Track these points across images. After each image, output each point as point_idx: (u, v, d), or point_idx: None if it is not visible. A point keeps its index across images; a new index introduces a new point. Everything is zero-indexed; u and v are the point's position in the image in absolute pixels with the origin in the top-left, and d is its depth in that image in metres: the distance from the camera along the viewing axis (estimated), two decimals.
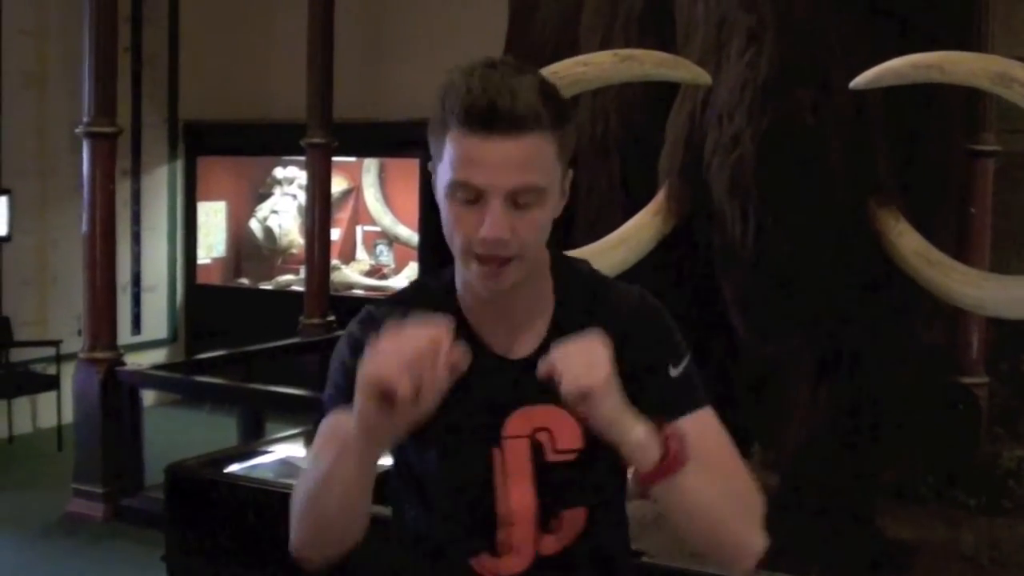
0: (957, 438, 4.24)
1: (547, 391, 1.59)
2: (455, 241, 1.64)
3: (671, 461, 1.59)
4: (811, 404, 3.51)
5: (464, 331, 1.66)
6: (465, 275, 1.68)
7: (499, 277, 1.64)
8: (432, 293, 1.76)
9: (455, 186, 1.60)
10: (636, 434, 1.57)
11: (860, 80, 2.78)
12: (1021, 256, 4.72)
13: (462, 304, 1.73)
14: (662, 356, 1.72)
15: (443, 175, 1.61)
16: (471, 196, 1.60)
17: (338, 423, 1.61)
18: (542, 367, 1.54)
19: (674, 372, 1.72)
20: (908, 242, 2.91)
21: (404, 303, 1.75)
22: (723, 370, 3.38)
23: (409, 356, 1.48)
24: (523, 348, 1.71)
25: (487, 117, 1.55)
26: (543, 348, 1.61)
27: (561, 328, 1.67)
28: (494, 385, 1.67)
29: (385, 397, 1.48)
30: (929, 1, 3.38)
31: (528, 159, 1.58)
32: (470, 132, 1.57)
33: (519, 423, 1.71)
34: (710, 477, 1.64)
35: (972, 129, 3.90)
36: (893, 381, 3.66)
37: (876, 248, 2.94)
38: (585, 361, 1.56)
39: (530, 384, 1.64)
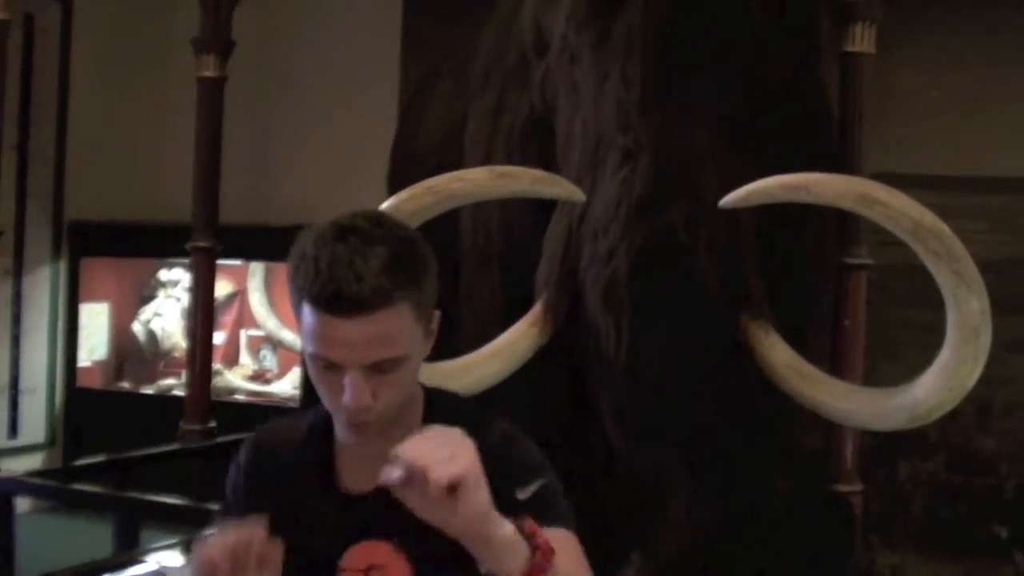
0: (832, 546, 4.29)
1: (388, 529, 1.61)
2: (322, 398, 1.67)
3: (542, 555, 1.59)
4: (688, 513, 3.55)
5: (321, 465, 1.69)
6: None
7: (364, 433, 1.66)
8: (311, 424, 1.78)
9: (314, 357, 1.62)
10: (506, 532, 1.58)
11: (729, 199, 2.85)
12: (894, 367, 4.83)
13: (336, 436, 1.75)
14: (510, 482, 1.73)
15: (303, 340, 1.64)
16: (331, 365, 1.62)
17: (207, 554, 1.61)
18: (390, 470, 1.52)
19: (521, 495, 1.73)
20: (779, 355, 2.98)
21: (282, 435, 1.78)
22: (600, 481, 3.41)
23: (229, 550, 1.53)
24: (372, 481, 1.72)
25: (334, 303, 1.58)
26: None
27: None
28: (340, 518, 1.69)
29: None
30: (802, 120, 3.49)
31: (382, 336, 1.60)
32: (321, 312, 1.59)
33: (355, 557, 1.74)
34: None
35: (845, 242, 4.00)
36: (769, 489, 3.71)
37: (749, 360, 3.00)
38: (448, 450, 1.55)
39: (374, 519, 1.66)
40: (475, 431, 1.75)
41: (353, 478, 1.76)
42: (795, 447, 4.04)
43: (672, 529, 3.52)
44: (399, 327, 1.63)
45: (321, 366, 1.64)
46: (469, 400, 1.93)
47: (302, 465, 1.77)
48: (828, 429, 4.23)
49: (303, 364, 7.55)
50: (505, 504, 1.65)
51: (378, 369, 1.62)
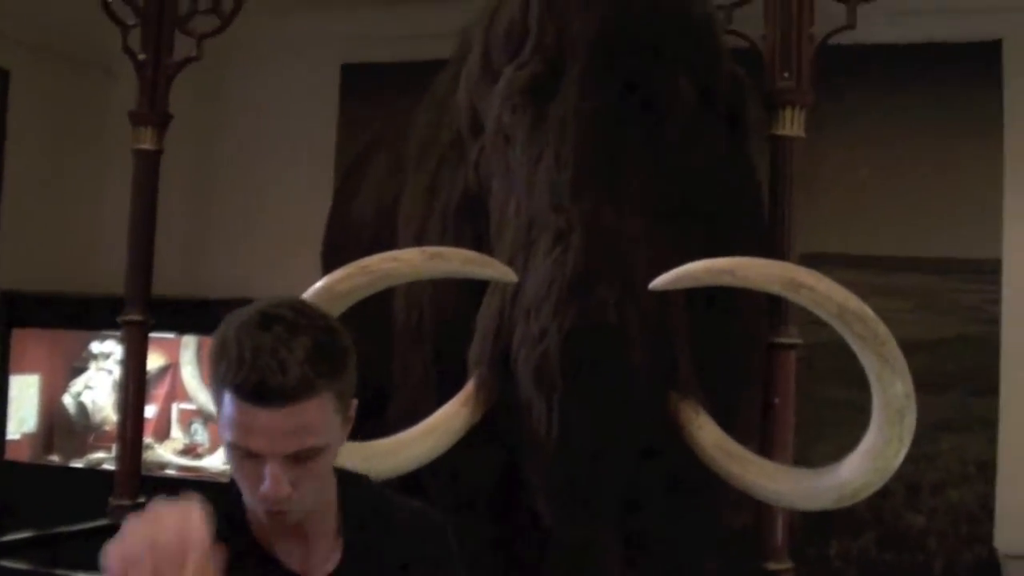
0: None
1: None
2: (241, 486, 1.66)
3: None
4: None
5: (257, 550, 1.68)
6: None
7: (283, 520, 1.66)
8: (227, 505, 1.77)
9: (233, 446, 1.62)
10: None
11: (658, 283, 2.90)
12: (825, 445, 4.88)
13: (252, 521, 1.74)
14: (431, 572, 1.75)
15: (221, 426, 1.64)
16: (250, 454, 1.62)
17: None
18: None
19: None
20: (708, 435, 3.01)
21: None
22: (527, 562, 3.42)
23: (158, 546, 1.41)
24: (318, 568, 1.72)
25: (257, 393, 1.58)
26: (344, 568, 1.63)
27: (352, 547, 1.69)
28: None
29: None
30: (732, 202, 3.55)
31: (303, 426, 1.61)
32: (243, 402, 1.59)
33: None
34: None
35: (775, 322, 4.04)
36: (700, 568, 3.73)
37: (679, 440, 3.03)
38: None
39: None
40: (390, 513, 1.77)
41: (289, 560, 1.75)
42: (725, 525, 4.07)
43: None
44: (320, 417, 1.63)
45: (240, 455, 1.63)
46: (377, 483, 1.94)
47: (230, 547, 1.76)
48: (759, 507, 4.25)
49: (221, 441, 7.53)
50: None
51: (298, 459, 1.62)
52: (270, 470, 1.61)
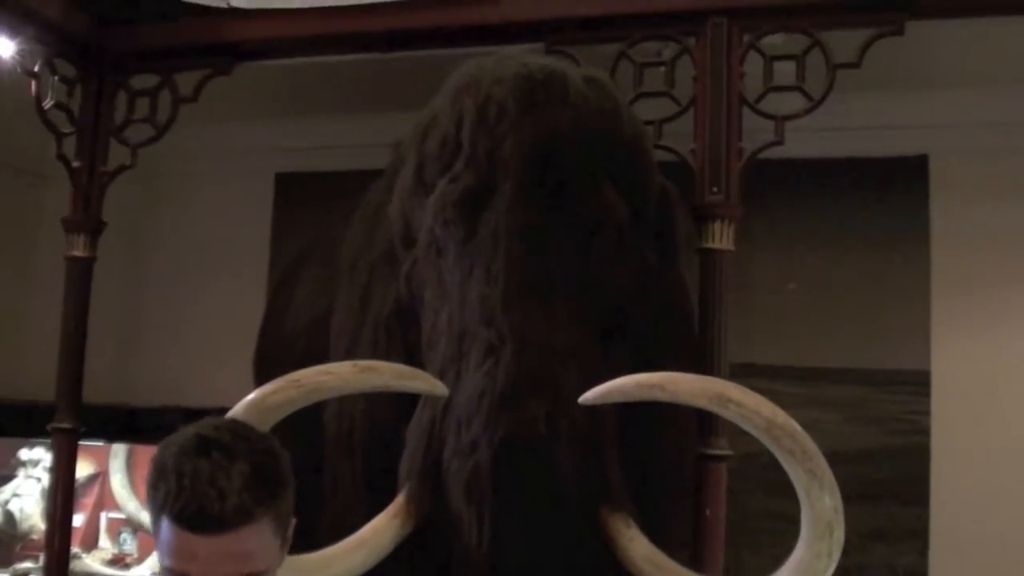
0: None
1: None
2: None
3: None
4: None
5: None
6: None
7: None
8: None
9: (170, 571, 1.62)
10: None
11: (588, 397, 2.92)
12: (756, 556, 4.89)
13: None
14: None
15: (160, 551, 1.63)
16: None
17: None
18: None
19: None
20: (638, 548, 3.00)
21: None
22: None
23: None
24: None
25: (196, 521, 1.57)
26: None
27: None
28: None
29: None
30: (663, 315, 3.59)
31: (242, 552, 1.61)
32: (182, 529, 1.59)
33: None
34: None
35: (705, 434, 4.07)
36: None
37: (609, 553, 3.02)
38: None
39: None
40: None
41: None
42: None
43: None
44: (259, 543, 1.63)
45: None
46: None
47: None
48: None
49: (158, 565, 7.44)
50: None
51: None
52: None
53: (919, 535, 5.78)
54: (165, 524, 1.61)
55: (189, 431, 1.67)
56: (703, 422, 3.96)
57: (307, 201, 7.02)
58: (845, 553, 2.84)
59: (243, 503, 1.59)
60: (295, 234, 6.73)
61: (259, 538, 1.63)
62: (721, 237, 4.19)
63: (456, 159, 3.41)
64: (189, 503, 1.58)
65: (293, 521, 1.74)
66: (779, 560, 2.91)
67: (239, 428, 1.71)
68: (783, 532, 3.12)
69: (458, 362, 3.12)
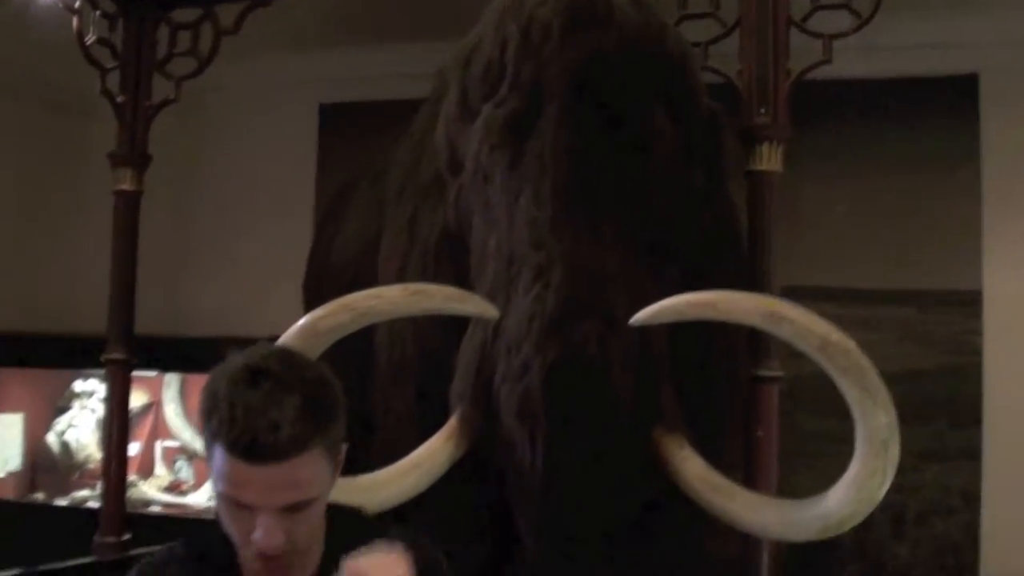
0: None
1: None
2: (231, 533, 1.66)
3: None
4: None
5: None
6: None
7: (275, 566, 1.67)
8: (211, 546, 1.77)
9: (226, 498, 1.62)
10: None
11: (640, 317, 2.91)
12: (808, 477, 4.88)
13: (240, 559, 1.74)
14: None
15: (214, 479, 1.64)
16: (242, 505, 1.62)
17: None
18: None
19: None
20: (692, 468, 3.01)
21: (180, 560, 1.76)
22: None
23: None
24: None
25: (250, 451, 1.58)
26: None
27: None
28: None
29: None
30: (712, 237, 3.57)
31: (295, 481, 1.62)
32: (235, 459, 1.59)
33: None
34: None
35: (757, 355, 4.05)
36: None
37: (663, 474, 3.03)
38: (390, 569, 1.57)
39: None
40: (376, 545, 1.77)
41: None
42: (711, 558, 4.06)
43: None
44: (312, 471, 1.63)
45: (232, 505, 1.63)
46: (367, 515, 1.94)
47: None
48: (744, 539, 4.25)
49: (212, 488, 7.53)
50: None
51: (290, 510, 1.62)
52: (263, 521, 1.61)
53: (972, 455, 5.76)
54: (219, 453, 1.62)
55: (238, 361, 1.67)
56: (754, 343, 3.94)
57: (351, 131, 7.01)
58: (898, 473, 2.83)
59: (296, 433, 1.59)
60: (340, 164, 6.74)
61: (312, 466, 1.64)
62: (769, 159, 4.14)
63: (501, 83, 3.38)
64: (242, 434, 1.58)
65: (344, 447, 1.74)
66: (831, 481, 2.91)
67: (289, 357, 1.71)
68: (835, 454, 3.10)
69: (507, 286, 3.12)
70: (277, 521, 1.62)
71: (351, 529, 1.83)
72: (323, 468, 1.66)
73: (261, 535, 1.62)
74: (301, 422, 1.60)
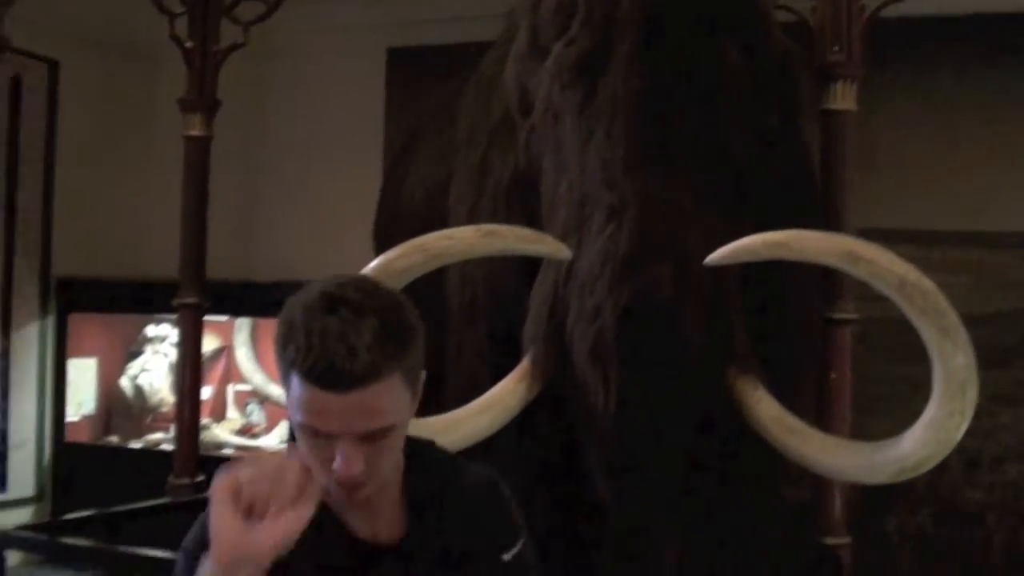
0: None
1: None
2: (311, 462, 1.66)
3: None
4: (677, 567, 3.55)
5: (328, 517, 1.69)
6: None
7: (357, 495, 1.66)
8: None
9: (304, 428, 1.62)
10: None
11: (715, 257, 2.88)
12: (880, 421, 4.85)
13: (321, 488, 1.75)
14: (497, 542, 1.75)
15: (292, 409, 1.64)
16: (321, 434, 1.62)
17: None
18: None
19: (506, 556, 1.75)
20: (766, 409, 2.98)
21: None
22: (585, 536, 3.42)
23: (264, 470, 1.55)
24: (384, 533, 1.72)
25: (327, 379, 1.57)
26: (411, 536, 1.64)
27: (418, 513, 1.70)
28: (355, 566, 1.67)
29: (243, 507, 1.54)
30: (785, 177, 3.53)
31: (374, 407, 1.60)
32: (313, 387, 1.58)
33: None
34: None
35: (830, 297, 4.02)
36: (758, 543, 3.71)
37: (736, 415, 3.01)
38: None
39: (398, 571, 1.66)
40: (455, 479, 1.77)
41: (357, 526, 1.76)
42: (783, 501, 4.05)
43: None
44: (390, 398, 1.62)
45: (311, 434, 1.63)
46: (445, 450, 1.94)
47: None
48: (817, 482, 4.24)
49: (290, 419, 7.62)
50: (490, 562, 1.67)
51: (370, 438, 1.62)
52: (343, 450, 1.61)
53: None
54: (296, 381, 1.61)
55: (314, 289, 1.66)
56: (828, 285, 3.90)
57: (419, 75, 6.98)
58: (973, 417, 2.79)
59: (373, 359, 1.58)
60: (408, 108, 6.73)
61: (390, 393, 1.62)
62: (843, 97, 4.10)
63: (572, 21, 3.34)
64: (319, 361, 1.57)
65: (423, 374, 1.73)
66: (905, 425, 2.87)
67: (364, 284, 1.69)
68: (909, 397, 3.08)
69: (580, 227, 3.09)
70: (357, 449, 1.61)
71: (430, 461, 1.83)
72: (402, 395, 1.65)
73: (341, 463, 1.62)
74: (379, 348, 1.59)
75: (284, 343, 1.63)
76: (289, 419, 1.69)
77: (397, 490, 1.77)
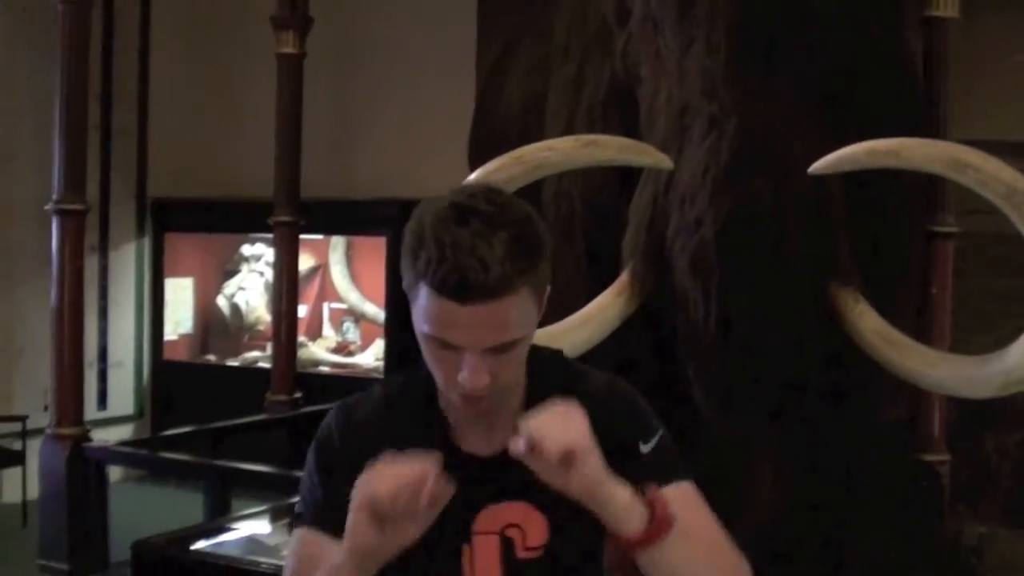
0: (920, 515, 4.26)
1: (519, 488, 1.62)
2: (435, 374, 1.67)
3: (658, 523, 1.62)
4: (774, 483, 3.54)
5: (440, 429, 1.70)
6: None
7: (480, 406, 1.67)
8: (411, 391, 1.78)
9: (431, 339, 1.62)
10: (622, 496, 1.62)
11: (818, 166, 2.83)
12: (981, 336, 4.78)
13: (441, 402, 1.75)
14: (633, 435, 1.75)
15: (418, 320, 1.63)
16: (447, 345, 1.62)
17: (317, 546, 1.68)
18: (517, 442, 1.57)
19: (645, 448, 1.74)
20: (868, 322, 2.95)
21: (381, 401, 1.78)
22: (684, 451, 3.40)
23: (402, 482, 1.53)
24: (494, 444, 1.73)
25: (459, 290, 1.56)
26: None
27: None
28: (467, 481, 1.67)
29: (379, 518, 1.54)
30: (887, 89, 3.45)
31: (503, 321, 1.59)
32: (443, 299, 1.57)
33: (489, 520, 1.74)
34: (695, 547, 1.67)
35: (932, 210, 3.96)
36: (856, 458, 3.69)
37: (837, 328, 2.98)
38: (562, 423, 1.59)
39: (502, 480, 1.67)
40: (577, 385, 1.76)
41: (472, 440, 1.76)
42: (882, 416, 4.02)
43: (759, 499, 3.51)
44: (519, 311, 1.61)
45: (437, 346, 1.63)
46: (569, 358, 1.93)
47: (411, 431, 1.75)
48: (915, 399, 4.20)
49: (386, 336, 7.71)
50: (630, 456, 1.68)
51: (496, 350, 1.61)
52: (470, 362, 1.60)
53: None
54: (424, 292, 1.60)
55: (443, 199, 1.64)
56: (930, 198, 3.84)
57: None
58: None
59: (505, 272, 1.57)
60: (501, 21, 6.66)
61: (519, 306, 1.61)
62: (946, 4, 4.01)
63: None
64: (451, 273, 1.56)
65: (548, 288, 1.73)
66: (1004, 340, 2.82)
67: (496, 195, 1.67)
68: (1010, 313, 3.03)
69: (680, 138, 3.05)
70: (483, 361, 1.61)
71: (553, 370, 1.82)
72: (530, 308, 1.64)
73: (467, 375, 1.61)
74: (510, 261, 1.57)
75: (413, 254, 1.62)
76: (414, 328, 1.68)
77: (518, 401, 1.77)
